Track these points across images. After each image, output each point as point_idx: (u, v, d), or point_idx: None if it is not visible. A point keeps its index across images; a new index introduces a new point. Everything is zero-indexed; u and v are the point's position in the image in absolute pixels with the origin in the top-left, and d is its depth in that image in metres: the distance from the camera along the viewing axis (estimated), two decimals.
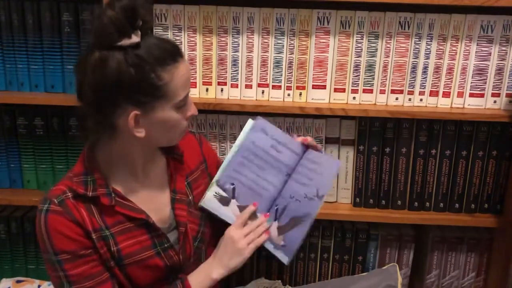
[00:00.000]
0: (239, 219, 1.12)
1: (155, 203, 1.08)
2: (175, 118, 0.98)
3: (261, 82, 1.40)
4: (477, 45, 1.34)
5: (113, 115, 0.94)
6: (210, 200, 1.15)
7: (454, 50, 1.35)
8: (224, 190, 1.15)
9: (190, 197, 1.13)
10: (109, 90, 0.91)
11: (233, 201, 1.16)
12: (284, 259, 1.12)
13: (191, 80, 1.40)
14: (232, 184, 1.15)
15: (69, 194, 0.98)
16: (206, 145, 1.22)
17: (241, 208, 1.14)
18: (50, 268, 1.00)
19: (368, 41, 1.35)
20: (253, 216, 1.14)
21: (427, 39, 1.34)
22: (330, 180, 1.10)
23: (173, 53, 0.95)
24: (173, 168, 1.10)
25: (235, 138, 1.44)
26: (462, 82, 1.37)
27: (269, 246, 1.13)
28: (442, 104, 1.39)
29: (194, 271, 1.12)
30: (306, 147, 1.18)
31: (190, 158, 1.14)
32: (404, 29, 1.34)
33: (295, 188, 1.13)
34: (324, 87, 1.39)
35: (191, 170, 1.15)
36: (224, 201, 1.15)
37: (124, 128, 0.95)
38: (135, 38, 0.90)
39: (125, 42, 0.89)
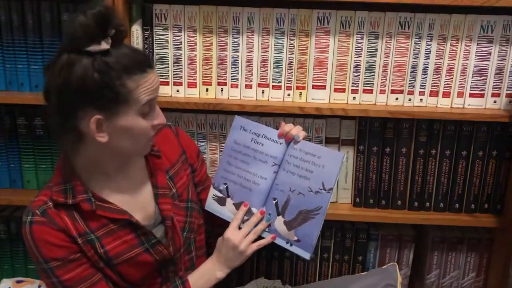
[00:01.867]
0: (235, 220, 1.14)
1: (138, 202, 1.09)
2: (140, 125, 0.97)
3: (261, 82, 1.40)
4: (477, 45, 1.34)
5: (75, 118, 0.94)
6: (210, 202, 1.21)
7: (454, 50, 1.35)
8: (220, 191, 1.19)
9: (174, 190, 1.13)
10: (72, 93, 0.91)
11: (228, 200, 1.18)
12: (305, 254, 1.11)
13: (192, 80, 1.41)
14: (225, 184, 1.18)
15: (50, 203, 0.99)
16: (183, 136, 1.22)
17: (237, 206, 1.16)
18: (44, 277, 1.02)
19: (368, 41, 1.35)
20: (250, 214, 1.15)
21: (427, 39, 1.34)
22: (336, 173, 1.08)
23: (142, 63, 0.95)
24: (152, 165, 1.11)
25: None
26: (462, 82, 1.37)
27: (281, 243, 1.13)
28: (442, 104, 1.39)
29: (194, 272, 1.14)
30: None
31: (169, 152, 1.15)
32: (404, 29, 1.34)
33: (294, 181, 1.12)
34: (324, 87, 1.39)
35: (172, 163, 1.15)
36: (222, 201, 1.19)
37: (88, 133, 0.95)
38: (105, 45, 0.90)
39: (94, 48, 0.89)
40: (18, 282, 1.53)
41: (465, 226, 1.50)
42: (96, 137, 0.95)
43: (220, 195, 1.19)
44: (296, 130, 1.14)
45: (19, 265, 1.58)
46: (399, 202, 1.47)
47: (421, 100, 1.39)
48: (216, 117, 1.44)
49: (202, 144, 1.46)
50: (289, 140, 1.14)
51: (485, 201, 1.46)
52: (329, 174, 1.09)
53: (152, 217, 1.10)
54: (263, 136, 1.16)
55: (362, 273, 1.32)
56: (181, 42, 1.38)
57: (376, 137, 1.42)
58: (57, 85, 0.92)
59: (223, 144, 1.47)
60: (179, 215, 1.13)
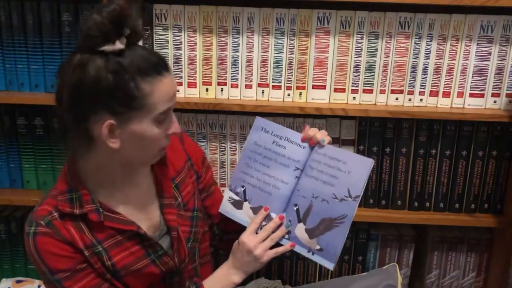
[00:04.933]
0: (252, 224, 1.10)
1: (144, 211, 1.06)
2: (153, 133, 0.93)
3: (261, 82, 1.40)
4: (477, 45, 1.34)
5: (88, 122, 0.91)
6: (225, 205, 1.16)
7: (454, 50, 1.35)
8: (236, 194, 1.15)
9: (179, 199, 1.10)
10: (85, 94, 0.88)
11: (245, 203, 1.14)
12: (328, 264, 1.05)
13: (192, 80, 1.41)
14: (243, 186, 1.14)
15: (56, 214, 0.95)
16: (188, 141, 1.18)
17: (255, 210, 1.12)
18: (51, 287, 0.98)
19: (368, 41, 1.35)
20: (269, 219, 1.11)
21: (427, 39, 1.34)
22: (363, 180, 1.02)
23: (157, 65, 0.91)
24: (158, 173, 1.07)
25: (235, 138, 1.45)
26: (462, 82, 1.37)
27: (302, 251, 1.08)
28: (442, 104, 1.39)
29: (209, 277, 1.11)
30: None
31: (174, 158, 1.11)
32: (404, 29, 1.34)
33: (317, 187, 1.06)
34: (324, 87, 1.39)
35: (177, 171, 1.12)
36: (238, 205, 1.15)
37: (99, 138, 0.92)
38: (119, 45, 0.87)
39: (108, 47, 0.86)
40: (18, 282, 1.53)
41: (465, 226, 1.50)
42: (107, 143, 0.91)
43: (237, 198, 1.14)
44: (321, 135, 1.09)
45: (19, 265, 1.58)
46: (399, 202, 1.47)
47: (421, 100, 1.39)
48: (216, 117, 1.44)
49: (202, 144, 1.46)
50: (313, 144, 1.09)
51: (485, 201, 1.46)
52: (356, 181, 1.03)
53: (158, 227, 1.07)
54: (286, 139, 1.11)
55: (363, 274, 1.32)
56: (181, 42, 1.38)
57: (376, 137, 1.42)
58: (70, 86, 0.89)
59: (223, 144, 1.47)
60: (184, 225, 1.10)
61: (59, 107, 0.92)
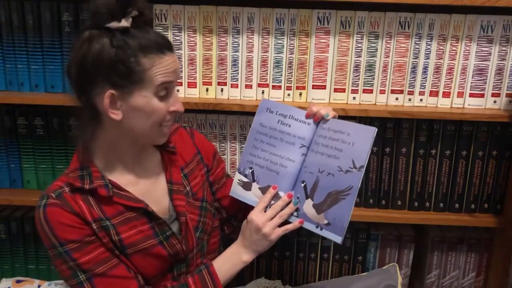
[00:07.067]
0: (261, 203, 1.10)
1: (153, 195, 1.08)
2: (155, 105, 0.97)
3: (261, 82, 1.40)
4: (477, 45, 1.34)
5: (91, 94, 0.95)
6: (235, 187, 1.17)
7: (454, 50, 1.35)
8: (245, 176, 1.15)
9: (188, 188, 1.13)
10: (89, 67, 0.93)
11: (254, 184, 1.14)
12: (336, 238, 1.03)
13: (192, 80, 1.41)
14: (251, 168, 1.15)
15: (66, 188, 0.99)
16: (198, 136, 1.21)
17: (263, 190, 1.12)
18: (59, 262, 0.99)
19: (368, 41, 1.35)
20: (277, 198, 1.10)
21: (427, 39, 1.34)
22: (367, 149, 1.01)
23: (160, 45, 0.96)
24: (168, 161, 1.11)
25: (235, 138, 1.45)
26: (462, 82, 1.37)
27: (311, 227, 1.07)
28: (442, 104, 1.39)
29: (219, 257, 1.11)
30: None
31: (183, 151, 1.15)
32: (404, 29, 1.34)
33: (322, 161, 1.06)
34: (324, 87, 1.39)
35: (186, 162, 1.15)
36: (247, 186, 1.15)
37: (103, 111, 0.96)
38: (124, 23, 0.92)
39: (113, 25, 0.92)
40: (18, 282, 1.53)
41: (465, 226, 1.50)
42: (109, 114, 0.95)
43: (246, 180, 1.15)
44: (325, 109, 1.09)
45: (19, 265, 1.58)
46: (399, 202, 1.47)
47: (421, 100, 1.39)
48: (216, 117, 1.45)
49: None
50: (318, 120, 1.09)
51: (485, 201, 1.46)
52: (360, 151, 1.02)
53: (166, 213, 1.09)
54: (290, 117, 1.11)
55: (363, 274, 1.32)
56: (181, 42, 1.38)
57: (376, 137, 1.41)
58: (76, 60, 0.94)
59: (223, 144, 1.47)
60: (193, 213, 1.11)
61: (70, 82, 0.98)
